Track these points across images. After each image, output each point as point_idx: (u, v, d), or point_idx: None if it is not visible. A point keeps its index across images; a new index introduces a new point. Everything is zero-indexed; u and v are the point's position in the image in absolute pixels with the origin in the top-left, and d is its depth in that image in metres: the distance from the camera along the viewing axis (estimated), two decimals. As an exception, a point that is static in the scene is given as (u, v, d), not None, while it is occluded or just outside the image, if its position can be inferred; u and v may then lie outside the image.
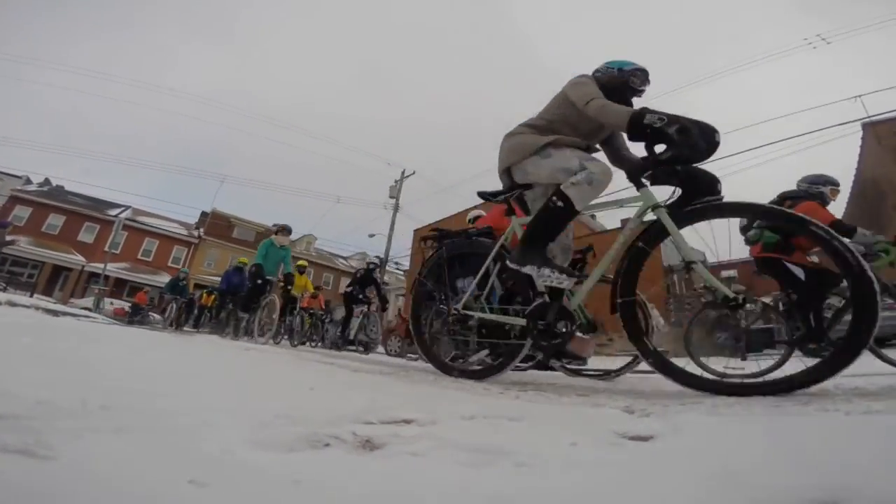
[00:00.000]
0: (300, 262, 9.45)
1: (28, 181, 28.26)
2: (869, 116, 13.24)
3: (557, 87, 2.31)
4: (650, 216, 1.97)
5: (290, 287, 7.23)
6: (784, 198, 3.67)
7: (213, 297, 12.69)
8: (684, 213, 1.85)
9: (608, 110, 1.97)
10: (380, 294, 8.70)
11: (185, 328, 11.67)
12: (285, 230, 6.99)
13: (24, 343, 1.98)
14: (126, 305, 19.81)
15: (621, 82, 2.20)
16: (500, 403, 1.52)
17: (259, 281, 6.57)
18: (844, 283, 2.02)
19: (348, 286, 8.61)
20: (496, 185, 2.48)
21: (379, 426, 0.97)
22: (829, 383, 2.04)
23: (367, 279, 8.51)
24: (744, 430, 0.99)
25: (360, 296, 8.41)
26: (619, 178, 2.17)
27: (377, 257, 9.49)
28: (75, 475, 0.52)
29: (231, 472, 0.61)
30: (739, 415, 1.27)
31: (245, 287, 9.23)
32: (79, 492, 0.48)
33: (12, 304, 6.75)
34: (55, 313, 6.78)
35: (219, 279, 14.41)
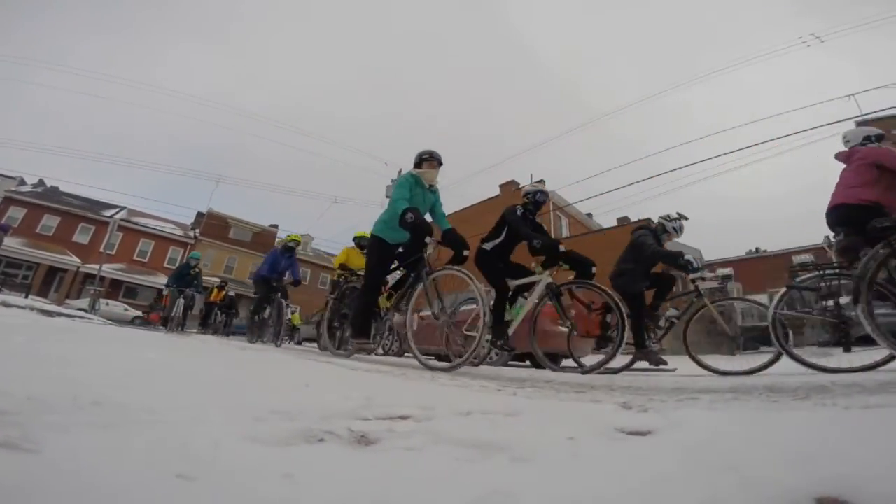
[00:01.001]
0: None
1: (22, 182, 28.07)
2: (862, 115, 13.30)
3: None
4: None
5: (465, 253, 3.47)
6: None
7: (223, 292, 11.61)
8: None
9: None
10: (576, 257, 3.90)
11: (185, 329, 9.34)
12: (434, 158, 3.72)
13: (16, 342, 1.96)
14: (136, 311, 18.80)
15: None
16: (496, 400, 1.51)
17: (426, 239, 3.42)
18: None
19: (489, 240, 4.15)
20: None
21: (374, 422, 0.96)
22: (825, 379, 2.03)
23: (529, 220, 4.12)
24: (743, 425, 0.99)
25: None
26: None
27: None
28: (58, 469, 0.51)
29: (221, 467, 0.60)
30: (738, 410, 1.27)
31: (296, 271, 7.21)
32: (60, 485, 0.46)
33: (7, 304, 6.71)
34: (50, 314, 6.74)
35: (216, 280, 13.52)
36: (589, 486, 0.62)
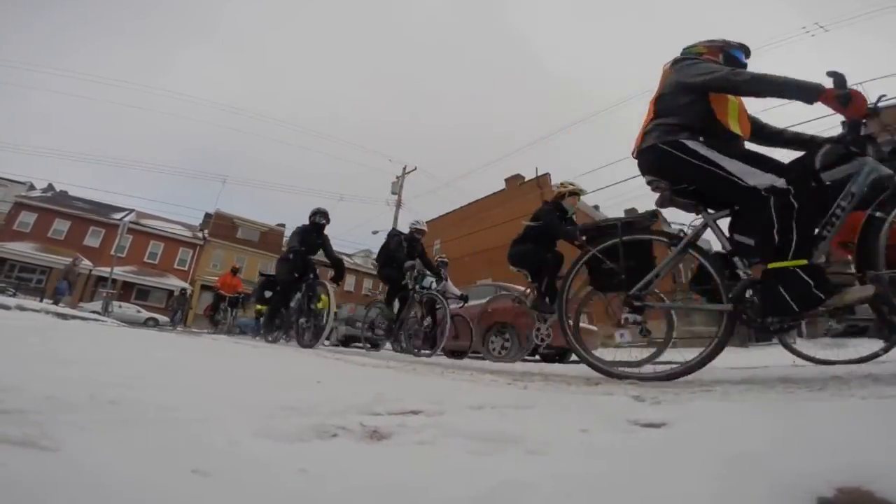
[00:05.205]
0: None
1: (31, 187, 28.46)
2: (872, 104, 13.06)
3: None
4: None
5: None
6: None
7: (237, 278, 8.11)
8: None
9: None
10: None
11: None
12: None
13: (33, 343, 1.99)
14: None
15: None
16: (508, 393, 1.51)
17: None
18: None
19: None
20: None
21: (386, 417, 0.96)
22: (840, 370, 2.01)
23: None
24: (758, 415, 0.97)
25: None
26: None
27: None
28: (76, 466, 0.52)
29: (235, 462, 0.61)
30: (752, 401, 1.25)
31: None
32: (79, 482, 0.47)
33: (22, 308, 6.81)
34: (64, 316, 6.83)
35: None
36: (605, 478, 0.62)
